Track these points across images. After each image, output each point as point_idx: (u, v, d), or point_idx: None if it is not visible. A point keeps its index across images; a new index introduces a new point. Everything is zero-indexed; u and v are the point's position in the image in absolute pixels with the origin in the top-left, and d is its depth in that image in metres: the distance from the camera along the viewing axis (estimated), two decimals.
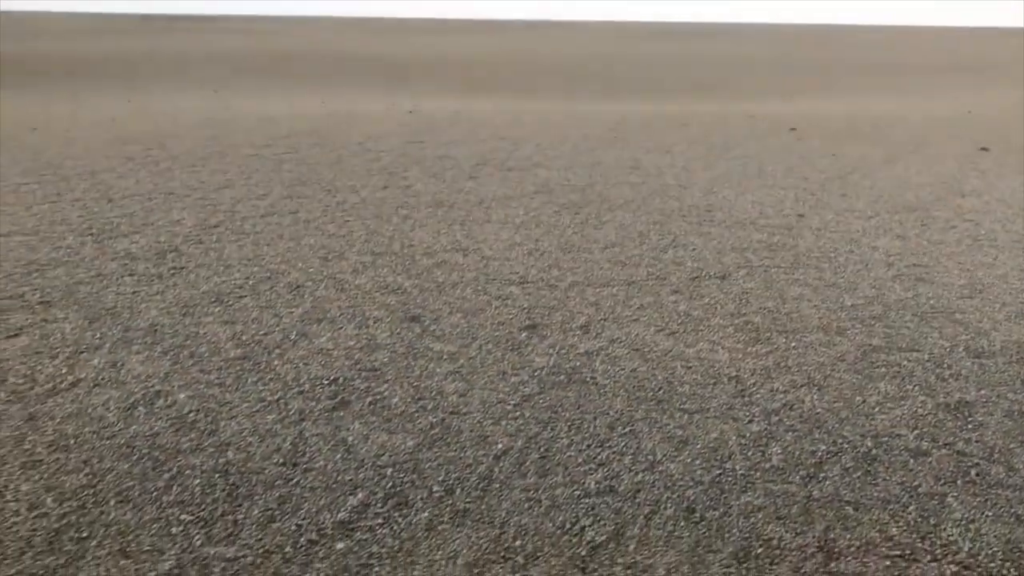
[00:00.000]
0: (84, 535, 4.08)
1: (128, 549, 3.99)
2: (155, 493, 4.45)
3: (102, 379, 5.71)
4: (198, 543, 4.05)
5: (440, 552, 4.03)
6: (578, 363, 6.11)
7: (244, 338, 6.42)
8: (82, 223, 9.66)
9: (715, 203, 11.27)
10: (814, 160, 14.98)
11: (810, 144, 16.58)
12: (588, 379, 5.86)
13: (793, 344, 6.59)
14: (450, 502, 4.43)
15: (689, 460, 4.89)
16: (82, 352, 6.11)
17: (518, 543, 4.11)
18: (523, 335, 6.60)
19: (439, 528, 4.22)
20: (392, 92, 23.91)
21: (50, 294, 7.25)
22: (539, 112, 20.01)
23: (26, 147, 14.54)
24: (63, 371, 5.81)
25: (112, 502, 4.35)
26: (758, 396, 5.72)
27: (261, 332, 6.54)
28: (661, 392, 5.70)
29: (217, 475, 4.61)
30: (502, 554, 4.03)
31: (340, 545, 4.06)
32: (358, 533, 4.15)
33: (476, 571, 3.91)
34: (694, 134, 17.54)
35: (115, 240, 8.97)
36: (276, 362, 6.03)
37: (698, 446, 5.04)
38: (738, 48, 55.57)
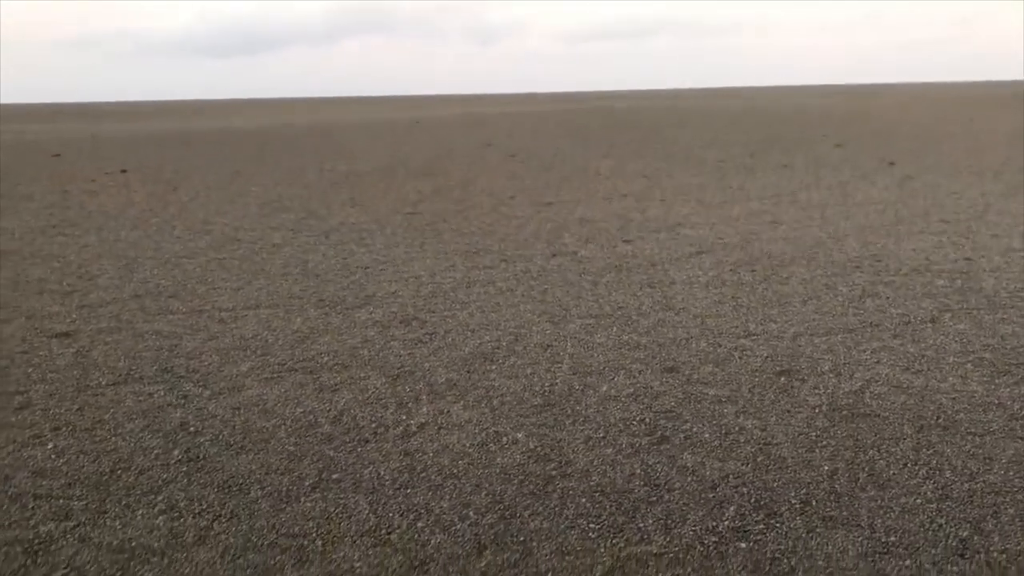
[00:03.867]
0: (521, 539, 4.86)
1: (564, 550, 4.76)
2: (554, 507, 5.22)
3: (441, 423, 6.53)
4: (620, 544, 4.81)
5: (831, 547, 4.75)
6: (850, 401, 6.82)
7: (536, 388, 7.22)
8: (310, 296, 10.57)
9: (877, 253, 12.00)
10: (942, 201, 15.64)
11: (923, 180, 17.22)
12: (869, 413, 6.57)
13: None
14: (813, 511, 5.15)
15: (1002, 472, 5.56)
16: (407, 404, 6.94)
17: (892, 539, 4.82)
18: (782, 380, 7.33)
19: (817, 531, 4.94)
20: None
21: (337, 358, 8.12)
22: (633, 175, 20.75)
23: (172, 221, 15.60)
24: (403, 418, 6.64)
25: (526, 515, 5.13)
26: None
27: (547, 384, 7.33)
28: (940, 420, 6.39)
29: (597, 494, 5.38)
30: (881, 548, 4.74)
31: (743, 544, 4.79)
32: (751, 535, 4.88)
33: (868, 560, 4.63)
34: (801, 178, 18.25)
35: (354, 311, 9.86)
36: (577, 407, 6.81)
37: (1003, 460, 5.72)
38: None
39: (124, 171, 26.12)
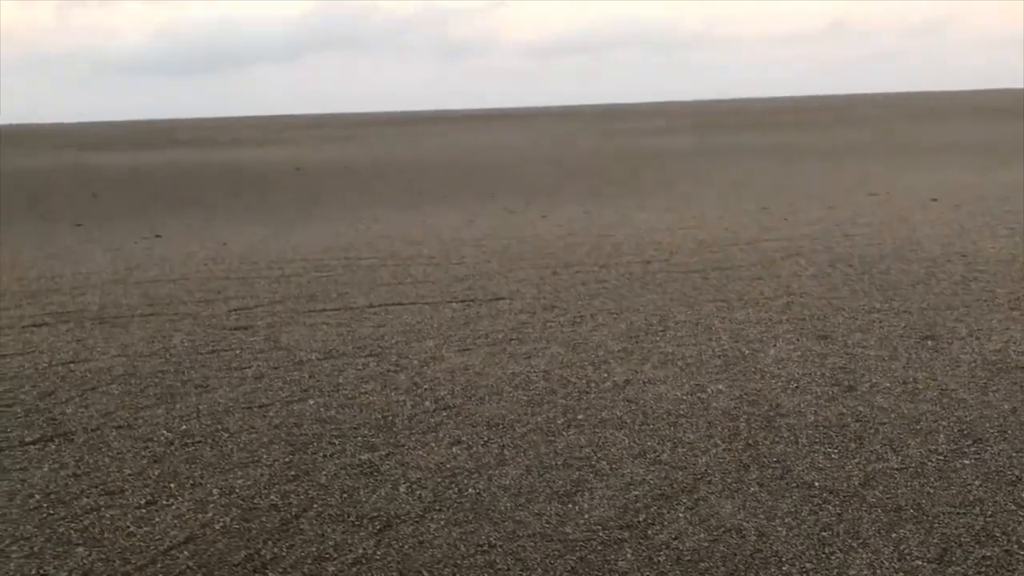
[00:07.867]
0: (775, 460, 5.49)
1: (816, 466, 5.39)
2: (787, 437, 5.86)
3: (642, 379, 7.17)
4: (862, 463, 5.43)
5: None
6: (997, 357, 7.46)
7: (709, 353, 7.87)
8: (438, 296, 11.21)
9: (961, 250, 12.65)
10: (1002, 216, 16.27)
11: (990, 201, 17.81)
12: (1020, 366, 7.21)
13: None
14: (1013, 437, 5.77)
15: None
16: (600, 365, 7.60)
17: None
18: (929, 342, 7.98)
19: (1022, 452, 5.57)
20: None
21: (509, 334, 8.76)
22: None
23: (252, 246, 16.23)
24: (605, 375, 7.30)
25: (767, 443, 5.76)
26: None
27: (717, 349, 7.97)
28: None
29: (819, 427, 6.01)
30: None
31: (966, 461, 5.43)
32: (968, 455, 5.51)
33: None
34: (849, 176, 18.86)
35: (492, 303, 10.52)
36: (758, 365, 7.46)
37: None
38: None
39: (159, 234, 26.58)
